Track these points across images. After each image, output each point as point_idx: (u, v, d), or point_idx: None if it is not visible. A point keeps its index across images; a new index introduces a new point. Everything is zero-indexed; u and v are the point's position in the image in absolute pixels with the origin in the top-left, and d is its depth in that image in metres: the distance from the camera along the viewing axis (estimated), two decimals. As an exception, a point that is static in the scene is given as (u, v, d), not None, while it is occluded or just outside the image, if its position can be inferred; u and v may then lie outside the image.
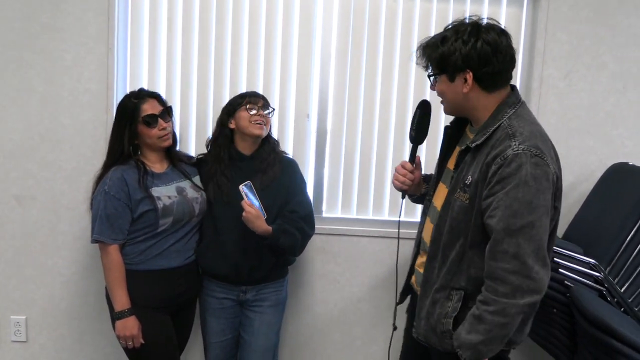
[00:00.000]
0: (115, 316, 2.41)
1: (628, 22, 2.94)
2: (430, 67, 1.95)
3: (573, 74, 2.96)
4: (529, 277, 1.72)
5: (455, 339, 1.87)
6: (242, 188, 2.43)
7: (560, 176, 1.84)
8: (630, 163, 2.87)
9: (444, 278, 1.95)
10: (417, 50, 1.98)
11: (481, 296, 1.80)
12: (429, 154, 2.95)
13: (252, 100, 2.58)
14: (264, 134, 2.58)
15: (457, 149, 2.06)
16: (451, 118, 2.14)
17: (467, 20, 1.89)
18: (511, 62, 1.88)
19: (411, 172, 2.22)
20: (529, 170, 1.72)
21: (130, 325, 2.40)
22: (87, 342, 3.14)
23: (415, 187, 2.28)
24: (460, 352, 1.85)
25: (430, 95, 2.95)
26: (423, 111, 2.16)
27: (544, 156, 1.76)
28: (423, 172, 2.33)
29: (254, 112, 2.54)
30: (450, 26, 1.91)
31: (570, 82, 2.97)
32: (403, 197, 2.28)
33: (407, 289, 2.31)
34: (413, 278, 2.23)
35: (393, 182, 2.24)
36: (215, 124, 2.67)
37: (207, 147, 2.70)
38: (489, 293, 1.77)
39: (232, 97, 2.67)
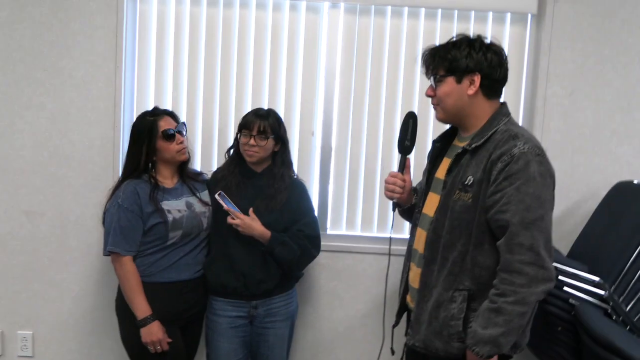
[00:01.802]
0: (139, 324, 2.44)
1: (632, 40, 2.95)
2: (437, 69, 2.01)
3: (577, 92, 2.97)
4: (543, 267, 1.81)
5: (471, 337, 1.88)
6: (218, 198, 2.51)
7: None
8: (636, 181, 2.86)
9: (446, 280, 1.98)
10: (425, 54, 2.06)
11: (496, 289, 1.84)
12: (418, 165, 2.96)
13: (247, 125, 2.56)
14: (254, 160, 2.59)
15: (446, 160, 2.12)
16: (438, 132, 2.24)
17: (471, 35, 2.02)
18: (507, 76, 2.04)
19: (402, 180, 2.25)
20: (535, 168, 1.83)
21: (156, 330, 2.44)
22: (94, 357, 3.15)
23: (407, 197, 2.29)
24: (476, 350, 1.85)
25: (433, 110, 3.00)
26: (414, 121, 2.24)
27: (545, 156, 1.90)
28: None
29: (245, 139, 2.56)
30: (456, 37, 2.02)
31: (574, 100, 2.98)
32: (394, 210, 2.33)
33: (403, 309, 2.30)
34: (408, 296, 2.24)
35: (385, 192, 2.27)
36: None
37: (225, 156, 2.74)
38: (506, 285, 1.82)
39: (237, 114, 2.69)
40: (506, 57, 2.01)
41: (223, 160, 2.74)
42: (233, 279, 2.58)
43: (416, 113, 2.25)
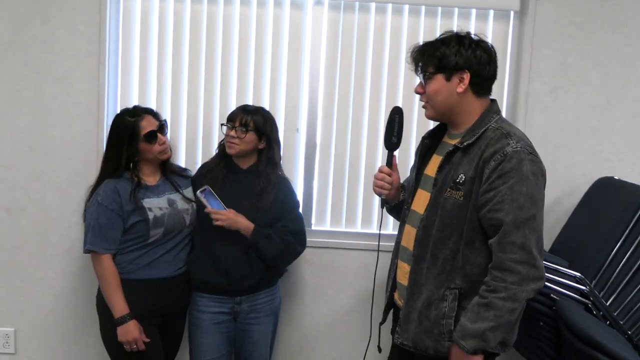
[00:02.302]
0: (116, 322, 2.42)
1: (612, 39, 2.98)
2: (426, 67, 2.00)
3: (559, 89, 3.00)
4: (534, 266, 1.82)
5: (459, 330, 1.89)
6: (200, 195, 2.50)
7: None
8: (616, 177, 2.91)
9: (437, 278, 1.97)
10: (413, 51, 2.05)
11: (487, 286, 1.85)
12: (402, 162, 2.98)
13: (231, 117, 2.60)
14: (233, 152, 2.59)
15: (436, 157, 2.12)
16: (426, 129, 2.24)
17: (461, 32, 2.02)
18: (496, 74, 2.04)
19: (389, 175, 2.24)
20: (528, 166, 1.84)
21: (132, 329, 2.42)
22: (76, 354, 3.13)
23: (395, 193, 2.29)
24: (462, 344, 1.86)
25: (418, 105, 3.01)
26: (400, 117, 2.21)
27: (537, 154, 1.91)
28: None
29: (227, 131, 2.57)
30: (445, 34, 2.02)
31: (555, 97, 3.01)
32: (382, 207, 2.32)
33: (390, 305, 2.31)
34: (396, 294, 2.24)
35: (373, 188, 2.26)
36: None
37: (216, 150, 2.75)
38: (498, 282, 1.83)
39: (222, 110, 2.69)
40: (495, 54, 2.02)
41: (207, 157, 2.75)
42: (216, 275, 2.58)
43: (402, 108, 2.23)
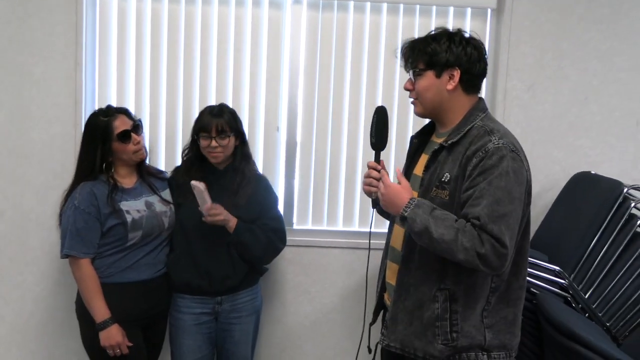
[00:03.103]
0: (98, 327, 2.40)
1: (588, 36, 3.02)
2: (416, 63, 1.98)
3: (536, 85, 3.04)
4: (499, 258, 1.77)
5: (421, 202, 1.86)
6: (201, 187, 2.42)
7: (530, 175, 1.93)
8: (593, 172, 2.94)
9: (427, 279, 1.95)
10: (404, 46, 2.02)
11: (467, 228, 1.78)
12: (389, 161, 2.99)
13: (205, 128, 2.53)
14: (219, 161, 2.58)
15: (424, 156, 2.09)
16: (406, 128, 2.18)
17: (451, 29, 2.00)
18: (486, 70, 2.02)
19: (375, 169, 2.13)
20: (509, 163, 1.81)
21: (114, 334, 2.40)
22: (57, 359, 3.10)
23: None
24: (411, 205, 1.86)
25: (397, 104, 3.02)
26: (384, 116, 2.14)
27: (519, 153, 1.87)
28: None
29: (206, 142, 2.53)
30: (436, 31, 2.00)
31: (533, 94, 3.04)
32: (374, 207, 2.21)
33: (380, 306, 2.28)
34: (386, 295, 2.22)
35: (363, 188, 2.16)
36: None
37: (182, 157, 2.70)
38: (470, 232, 1.77)
39: (201, 109, 2.66)
40: (485, 51, 2.00)
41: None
42: (197, 276, 2.57)
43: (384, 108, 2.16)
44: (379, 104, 3.03)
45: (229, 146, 2.56)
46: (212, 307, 2.63)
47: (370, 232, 2.28)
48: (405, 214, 1.85)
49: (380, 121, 2.13)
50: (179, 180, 2.64)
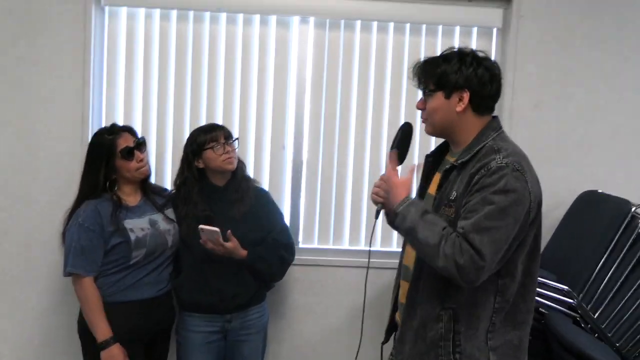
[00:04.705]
0: (100, 346, 2.38)
1: (594, 54, 3.04)
2: (427, 83, 1.98)
3: (542, 104, 3.04)
4: (476, 269, 1.74)
5: (415, 203, 1.87)
6: (215, 232, 2.43)
7: (539, 195, 1.90)
8: (600, 191, 2.94)
9: (432, 298, 1.93)
10: (416, 65, 2.01)
11: (452, 236, 1.77)
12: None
13: (213, 137, 2.57)
14: (235, 165, 2.61)
15: (437, 175, 2.08)
16: (432, 147, 2.15)
17: (465, 49, 1.98)
18: (499, 91, 1.98)
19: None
20: (509, 181, 1.77)
21: (116, 353, 2.38)
22: (59, 378, 3.08)
23: None
24: (404, 202, 1.87)
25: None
26: (408, 133, 2.11)
27: (524, 172, 1.82)
28: None
29: (220, 150, 2.55)
30: (448, 51, 1.98)
31: (539, 113, 3.05)
32: (377, 216, 2.15)
33: (392, 327, 2.26)
34: (397, 314, 2.20)
35: (371, 196, 2.10)
36: (180, 162, 2.66)
37: (174, 185, 2.68)
38: (456, 244, 1.75)
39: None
40: (500, 71, 1.97)
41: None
42: (208, 296, 2.56)
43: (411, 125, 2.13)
44: (386, 122, 3.07)
45: (236, 151, 2.63)
46: (221, 325, 2.62)
47: (369, 250, 2.26)
48: (398, 210, 1.86)
49: (404, 138, 2.11)
50: (180, 213, 2.61)
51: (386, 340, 2.30)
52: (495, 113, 3.03)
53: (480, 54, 1.97)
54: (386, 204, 1.96)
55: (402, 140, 2.10)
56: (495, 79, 1.95)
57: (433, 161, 2.16)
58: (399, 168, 2.13)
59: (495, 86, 1.95)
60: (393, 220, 1.91)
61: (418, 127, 2.84)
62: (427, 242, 1.78)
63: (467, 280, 1.76)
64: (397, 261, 2.22)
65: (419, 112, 2.05)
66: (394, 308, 2.23)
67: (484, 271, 1.75)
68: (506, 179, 1.78)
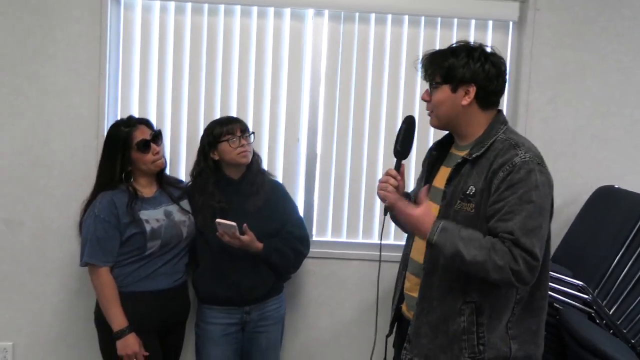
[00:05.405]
0: (115, 336, 2.41)
1: (611, 48, 3.00)
2: (434, 76, 1.99)
3: (558, 98, 3.02)
4: (531, 271, 1.79)
5: (447, 225, 1.86)
6: (232, 226, 2.45)
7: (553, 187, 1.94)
8: (616, 186, 2.92)
9: (452, 292, 1.94)
10: (424, 58, 2.03)
11: (494, 242, 1.80)
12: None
13: (229, 130, 2.58)
14: (250, 159, 2.62)
15: (444, 169, 2.09)
16: (435, 138, 2.17)
17: (472, 43, 2.00)
18: (504, 87, 2.01)
19: (394, 177, 2.12)
20: (537, 177, 1.82)
21: (132, 343, 2.41)
22: (75, 369, 3.11)
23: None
24: (436, 230, 1.85)
25: (418, 115, 3.01)
26: (412, 126, 2.14)
27: (545, 165, 1.89)
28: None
29: (235, 143, 2.56)
30: (457, 44, 2.00)
31: (555, 107, 3.02)
32: (385, 214, 2.18)
33: (396, 318, 2.28)
34: (404, 305, 2.22)
35: (378, 193, 2.13)
36: (197, 153, 2.69)
37: (191, 176, 2.71)
38: (504, 250, 1.78)
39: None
40: (505, 67, 2.00)
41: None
42: (225, 288, 2.58)
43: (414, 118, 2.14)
44: (400, 115, 3.06)
45: (252, 145, 2.65)
46: (240, 317, 2.64)
47: (380, 243, 2.29)
48: (433, 241, 1.86)
49: (408, 130, 2.13)
50: (197, 204, 2.63)
51: (390, 332, 2.32)
52: (511, 107, 3.06)
53: (488, 49, 1.99)
54: (413, 230, 1.97)
55: (405, 135, 2.13)
56: (502, 75, 1.98)
57: (437, 154, 2.18)
58: (404, 162, 2.16)
59: (501, 82, 1.98)
60: (431, 249, 1.91)
61: (419, 121, 2.86)
62: (476, 261, 1.80)
63: (524, 283, 1.82)
64: None
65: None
66: (399, 300, 2.24)
67: (538, 269, 1.81)
68: (535, 175, 1.82)
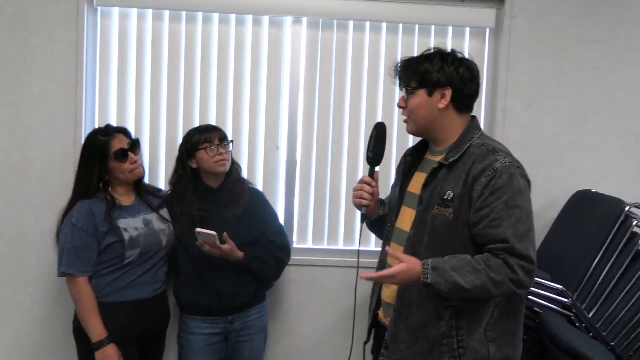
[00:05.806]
0: (94, 347, 2.38)
1: (587, 54, 3.04)
2: (409, 82, 2.01)
3: (535, 105, 3.05)
4: (529, 275, 1.82)
5: (436, 263, 1.84)
6: (213, 235, 2.43)
7: None
8: (593, 190, 2.94)
9: (431, 298, 1.94)
10: (398, 65, 2.06)
11: (487, 260, 1.82)
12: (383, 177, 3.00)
13: (207, 138, 2.57)
14: (228, 168, 2.61)
15: (419, 174, 2.11)
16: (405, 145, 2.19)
17: (445, 49, 2.04)
18: (479, 91, 2.05)
19: (369, 184, 2.15)
20: (519, 181, 1.86)
21: (111, 354, 2.38)
22: (53, 381, 3.06)
23: (374, 207, 2.24)
24: (429, 273, 1.82)
25: (397, 121, 3.02)
26: (382, 133, 2.17)
27: (524, 169, 1.94)
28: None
29: (213, 152, 2.56)
30: (431, 51, 2.03)
31: (532, 113, 3.05)
32: (362, 222, 2.22)
33: (374, 324, 2.27)
34: (380, 311, 2.21)
35: (353, 201, 2.18)
36: (176, 161, 2.68)
37: (170, 184, 2.70)
38: (499, 264, 1.80)
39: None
40: (478, 72, 2.03)
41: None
42: (207, 298, 2.57)
43: (384, 124, 2.18)
44: (379, 120, 3.04)
45: (230, 154, 2.63)
46: (224, 327, 2.63)
47: (358, 250, 2.31)
48: (429, 282, 1.83)
49: (379, 137, 2.16)
50: (175, 212, 2.62)
51: (368, 339, 2.31)
52: (488, 113, 3.08)
53: (460, 55, 2.03)
54: (408, 284, 1.93)
55: (377, 141, 2.15)
56: (475, 79, 2.01)
57: (412, 160, 2.19)
58: (377, 169, 2.18)
59: (475, 85, 2.01)
60: (427, 290, 1.88)
61: (395, 128, 2.88)
62: (475, 286, 1.81)
63: (525, 288, 1.86)
64: None
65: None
66: (377, 306, 2.23)
67: (535, 272, 1.84)
68: (517, 179, 1.86)
